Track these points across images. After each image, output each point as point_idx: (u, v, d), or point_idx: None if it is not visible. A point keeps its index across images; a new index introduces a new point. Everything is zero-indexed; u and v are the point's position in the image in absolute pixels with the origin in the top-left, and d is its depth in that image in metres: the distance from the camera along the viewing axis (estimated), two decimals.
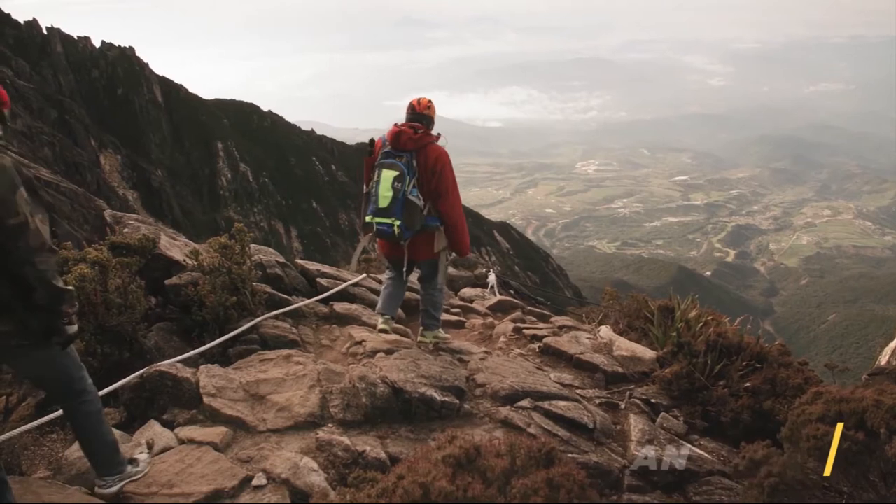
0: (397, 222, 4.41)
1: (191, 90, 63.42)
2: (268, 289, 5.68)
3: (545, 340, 5.60)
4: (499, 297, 8.55)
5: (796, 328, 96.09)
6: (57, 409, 3.54)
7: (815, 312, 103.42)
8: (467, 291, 8.88)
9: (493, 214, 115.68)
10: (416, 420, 3.90)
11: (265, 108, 69.16)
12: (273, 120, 68.02)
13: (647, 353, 5.29)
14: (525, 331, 6.10)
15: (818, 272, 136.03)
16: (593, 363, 5.09)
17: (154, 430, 3.46)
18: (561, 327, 6.39)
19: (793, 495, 2.89)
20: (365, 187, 4.69)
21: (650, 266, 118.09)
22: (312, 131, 72.27)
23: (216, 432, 3.47)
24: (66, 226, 7.60)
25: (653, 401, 4.55)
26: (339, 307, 5.91)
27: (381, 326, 5.05)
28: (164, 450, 3.31)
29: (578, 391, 4.63)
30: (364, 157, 4.78)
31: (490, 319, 6.88)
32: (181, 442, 3.40)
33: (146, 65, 59.03)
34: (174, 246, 6.00)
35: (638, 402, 4.52)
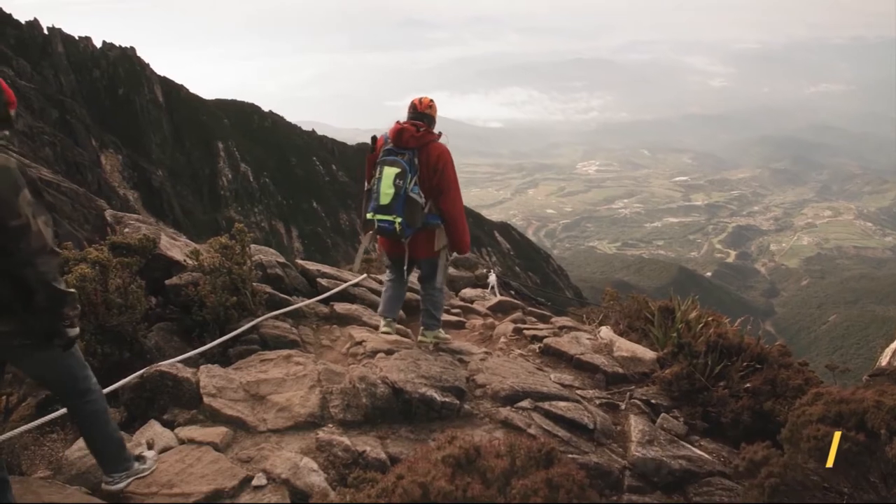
0: (398, 219, 4.41)
1: (191, 90, 63.53)
2: (268, 289, 5.68)
3: (545, 341, 5.59)
4: (499, 297, 8.54)
5: (797, 329, 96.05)
6: (57, 409, 3.54)
7: (816, 313, 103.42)
8: (468, 292, 8.88)
9: (493, 215, 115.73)
10: (417, 420, 3.90)
11: (266, 109, 69.24)
12: (274, 120, 68.08)
13: (648, 353, 5.29)
14: (525, 331, 6.09)
15: (819, 273, 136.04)
16: (594, 364, 5.09)
17: (154, 430, 3.46)
18: (561, 328, 6.39)
19: (793, 496, 2.88)
20: (366, 184, 4.68)
21: (651, 267, 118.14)
22: (313, 131, 72.34)
23: (216, 432, 3.47)
24: (66, 226, 7.61)
25: (653, 401, 4.54)
26: (340, 307, 5.91)
27: (383, 329, 5.07)
28: (165, 450, 3.31)
29: (579, 392, 4.63)
30: (366, 154, 4.78)
31: (490, 320, 6.88)
32: (181, 442, 3.40)
33: (147, 65, 59.11)
34: (174, 246, 6.00)
35: (638, 402, 4.51)
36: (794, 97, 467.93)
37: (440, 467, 2.42)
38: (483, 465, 2.48)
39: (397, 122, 4.63)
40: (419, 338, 5.12)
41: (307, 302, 5.79)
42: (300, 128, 71.03)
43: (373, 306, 6.24)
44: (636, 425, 4.11)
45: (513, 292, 11.59)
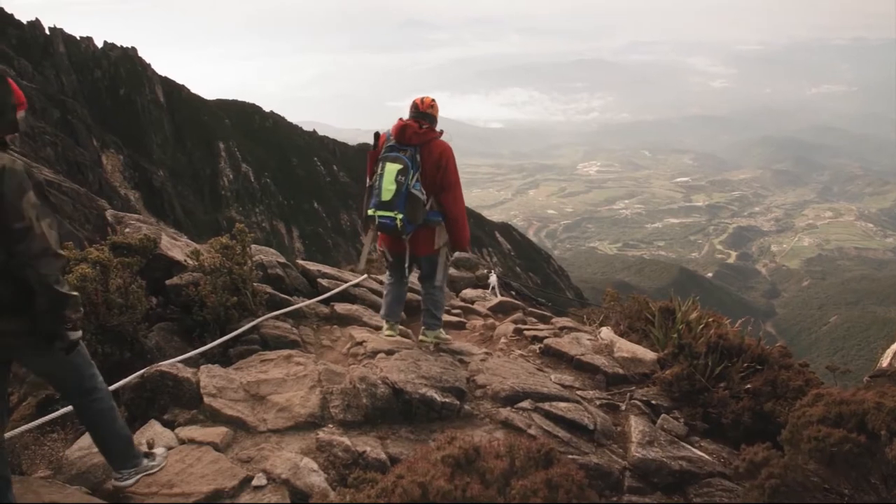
0: (400, 216, 4.42)
1: (192, 91, 63.56)
2: (269, 289, 5.69)
3: (546, 341, 5.59)
4: (500, 298, 8.54)
5: (798, 330, 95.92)
6: (57, 409, 3.55)
7: (817, 314, 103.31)
8: (468, 292, 8.88)
9: (494, 215, 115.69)
10: (417, 421, 3.90)
11: (267, 109, 69.23)
12: (275, 120, 68.09)
13: (648, 354, 5.29)
14: (526, 332, 6.09)
15: (820, 274, 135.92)
16: (594, 364, 5.09)
17: (154, 430, 3.46)
18: (562, 328, 6.39)
19: (793, 497, 2.88)
20: (368, 180, 4.69)
21: (652, 267, 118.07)
22: (314, 132, 72.33)
23: (216, 432, 3.47)
24: (67, 225, 7.62)
25: (653, 402, 4.54)
26: (340, 308, 5.92)
27: (386, 333, 5.10)
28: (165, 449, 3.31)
29: (579, 392, 4.63)
30: (368, 151, 4.79)
31: (491, 320, 6.88)
32: (181, 442, 3.40)
33: (148, 65, 59.14)
34: (175, 246, 6.00)
35: (638, 403, 4.51)
36: (795, 98, 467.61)
37: (440, 467, 2.42)
38: (482, 465, 2.48)
39: (400, 119, 4.64)
40: (420, 338, 5.12)
41: (308, 302, 5.79)
42: (301, 128, 71.02)
43: (373, 307, 6.24)
44: (636, 426, 4.11)
45: (513, 293, 11.58)
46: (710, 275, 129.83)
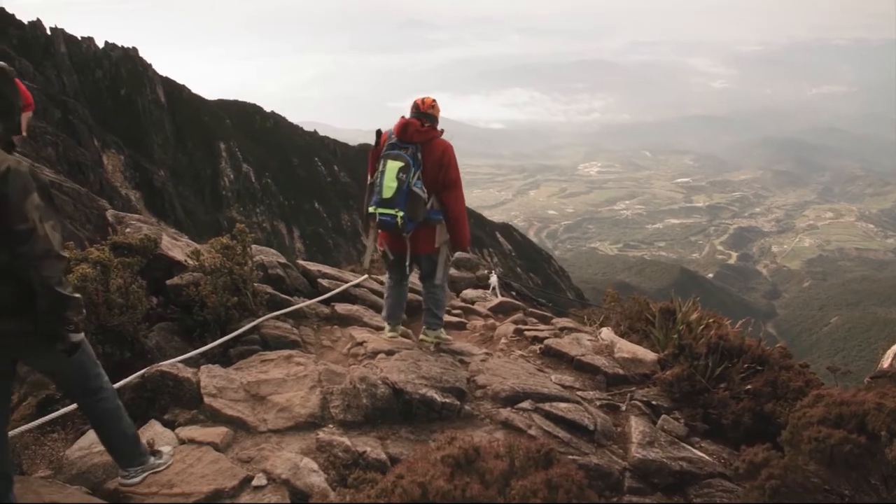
0: (400, 213, 4.42)
1: (192, 91, 63.61)
2: (269, 289, 5.69)
3: (546, 342, 5.59)
4: (500, 298, 8.54)
5: (798, 331, 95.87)
6: (57, 409, 3.55)
7: (818, 315, 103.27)
8: (469, 293, 8.87)
9: (495, 216, 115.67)
10: (417, 421, 3.90)
11: (268, 109, 69.28)
12: (276, 121, 68.13)
13: (649, 355, 5.29)
14: (526, 332, 6.09)
15: (821, 275, 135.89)
16: (594, 365, 5.09)
17: (155, 430, 3.46)
18: (562, 329, 6.39)
19: (794, 498, 2.88)
20: (369, 178, 4.69)
21: (652, 268, 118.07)
22: (315, 132, 72.36)
23: (217, 432, 3.47)
24: (68, 225, 7.62)
25: (654, 403, 4.54)
26: (341, 308, 5.92)
27: (388, 334, 5.11)
28: None
29: (579, 393, 4.63)
30: (370, 149, 4.80)
31: (491, 321, 6.88)
32: (182, 442, 3.40)
33: (149, 65, 59.20)
34: (176, 246, 6.01)
35: (639, 404, 4.51)
36: (795, 99, 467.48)
37: (439, 467, 2.42)
38: (482, 465, 2.48)
39: (402, 117, 4.65)
40: (420, 337, 5.13)
41: (308, 302, 5.79)
42: (302, 128, 71.07)
43: (374, 307, 6.25)
44: (637, 427, 4.11)
45: (514, 293, 11.58)
46: (710, 275, 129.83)
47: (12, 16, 50.02)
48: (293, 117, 74.04)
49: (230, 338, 4.77)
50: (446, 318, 6.24)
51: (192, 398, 3.79)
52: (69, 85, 50.30)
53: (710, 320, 5.58)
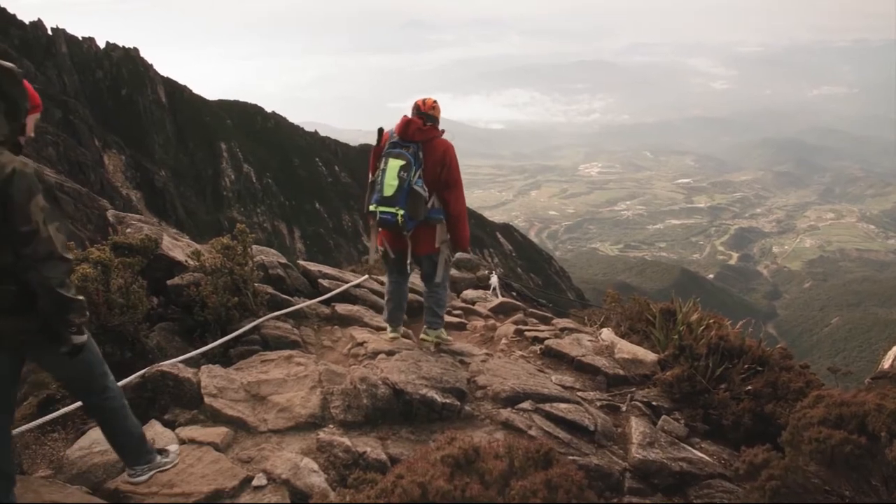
0: (401, 211, 4.42)
1: (194, 91, 63.67)
2: (270, 289, 5.69)
3: (547, 342, 5.59)
4: (501, 298, 8.53)
5: (799, 331, 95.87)
6: (58, 409, 3.55)
7: (818, 316, 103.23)
8: (469, 293, 8.87)
9: (495, 216, 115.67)
10: (417, 421, 3.90)
11: (269, 110, 69.33)
12: (277, 121, 68.18)
13: (649, 355, 5.28)
14: (527, 333, 6.09)
15: (821, 275, 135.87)
16: (595, 365, 5.09)
17: (155, 430, 3.46)
18: (562, 329, 6.39)
19: (794, 499, 2.88)
20: (370, 176, 4.70)
21: (653, 268, 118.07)
22: (316, 132, 72.42)
23: (217, 432, 3.47)
24: (69, 225, 7.63)
25: (654, 403, 4.54)
26: (341, 308, 5.92)
27: (389, 336, 5.13)
28: None
29: (579, 393, 4.63)
30: (371, 149, 4.80)
31: (492, 321, 6.88)
32: (182, 442, 3.40)
33: (150, 65, 59.26)
34: (176, 246, 6.01)
35: (639, 404, 4.51)
36: (796, 100, 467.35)
37: (439, 467, 2.42)
38: (482, 465, 2.48)
39: (404, 116, 4.65)
40: (421, 337, 5.13)
41: (308, 303, 5.79)
42: (303, 129, 71.13)
43: (374, 307, 6.25)
44: (637, 427, 4.11)
45: (514, 294, 11.57)
46: (711, 276, 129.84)
47: (14, 16, 50.11)
48: (294, 118, 74.18)
49: (231, 338, 4.77)
50: (447, 318, 6.24)
51: (193, 398, 3.79)
52: (70, 85, 50.38)
53: (711, 321, 5.58)
